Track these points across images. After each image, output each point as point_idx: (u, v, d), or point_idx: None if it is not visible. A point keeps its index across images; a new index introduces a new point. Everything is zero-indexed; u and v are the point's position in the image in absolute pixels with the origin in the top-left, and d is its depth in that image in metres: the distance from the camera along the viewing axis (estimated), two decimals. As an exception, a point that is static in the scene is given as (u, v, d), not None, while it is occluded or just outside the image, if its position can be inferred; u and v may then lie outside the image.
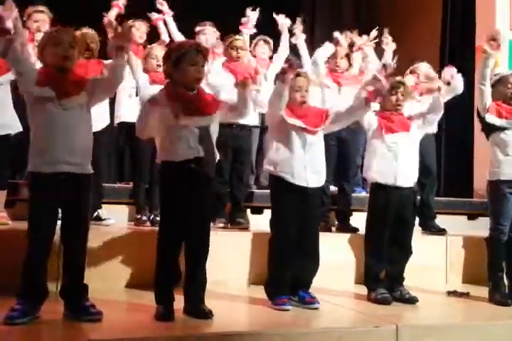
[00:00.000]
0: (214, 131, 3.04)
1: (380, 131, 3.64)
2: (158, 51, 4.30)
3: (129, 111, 4.52)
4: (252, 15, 4.71)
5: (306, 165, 3.35)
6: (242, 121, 4.33)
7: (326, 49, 4.52)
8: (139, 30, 4.72)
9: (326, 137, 3.57)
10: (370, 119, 3.67)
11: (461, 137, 6.42)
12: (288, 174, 3.33)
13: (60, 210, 2.86)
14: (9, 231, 3.68)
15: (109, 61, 4.13)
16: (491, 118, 3.80)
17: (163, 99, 2.95)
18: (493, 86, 3.88)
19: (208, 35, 4.80)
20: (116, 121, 4.65)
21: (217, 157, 3.06)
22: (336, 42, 4.62)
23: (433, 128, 4.45)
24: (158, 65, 4.22)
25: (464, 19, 6.80)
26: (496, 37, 3.78)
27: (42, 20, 4.32)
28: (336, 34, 4.69)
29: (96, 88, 2.90)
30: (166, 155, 2.95)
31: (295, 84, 3.37)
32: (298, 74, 3.40)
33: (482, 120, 3.88)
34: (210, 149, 2.97)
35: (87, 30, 4.21)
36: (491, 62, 3.80)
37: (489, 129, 3.86)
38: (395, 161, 3.60)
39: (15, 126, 3.87)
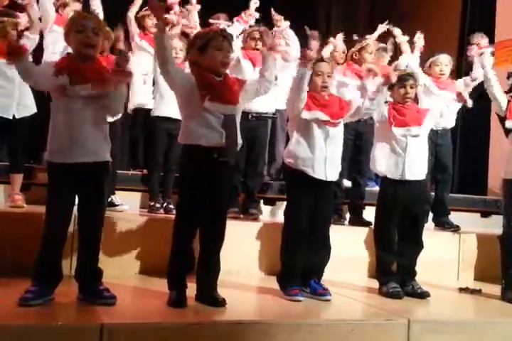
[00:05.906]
0: (239, 119, 3.02)
1: (389, 123, 3.58)
2: (177, 42, 4.28)
3: (143, 97, 4.52)
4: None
5: (327, 158, 3.32)
6: (259, 110, 4.33)
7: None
8: (153, 19, 4.70)
9: (344, 130, 3.51)
10: (383, 111, 3.60)
11: (476, 134, 6.38)
12: (309, 168, 3.29)
13: (76, 196, 2.86)
14: (24, 214, 3.72)
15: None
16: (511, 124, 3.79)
17: (192, 79, 2.90)
18: None
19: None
20: (131, 107, 4.66)
21: (240, 144, 3.03)
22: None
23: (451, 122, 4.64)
24: (176, 57, 4.21)
25: (484, 10, 6.72)
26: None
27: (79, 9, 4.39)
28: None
29: None
30: (189, 137, 2.92)
31: (317, 68, 3.33)
32: (321, 60, 3.37)
33: (500, 120, 3.87)
34: (233, 135, 2.94)
35: None
36: (487, 63, 3.81)
37: (509, 129, 3.83)
38: (404, 155, 3.56)
39: (32, 108, 4.09)
